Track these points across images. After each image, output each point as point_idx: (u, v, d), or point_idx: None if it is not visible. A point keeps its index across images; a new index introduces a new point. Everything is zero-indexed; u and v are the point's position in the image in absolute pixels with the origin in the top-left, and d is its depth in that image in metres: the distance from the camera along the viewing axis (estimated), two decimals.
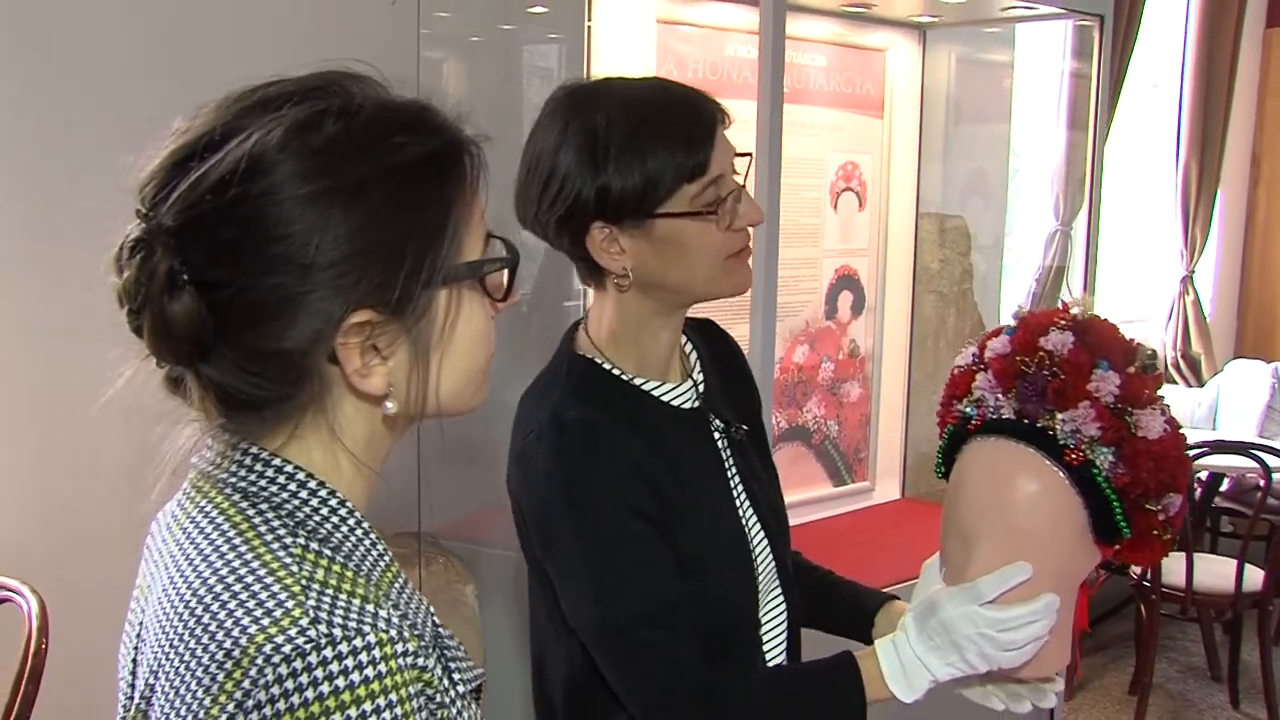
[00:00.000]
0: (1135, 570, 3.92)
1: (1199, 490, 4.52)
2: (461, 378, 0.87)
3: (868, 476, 3.08)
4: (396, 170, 0.81)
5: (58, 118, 2.04)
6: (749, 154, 1.35)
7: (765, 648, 1.41)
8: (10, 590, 1.97)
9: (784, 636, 1.44)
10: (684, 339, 1.44)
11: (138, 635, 0.88)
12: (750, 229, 1.34)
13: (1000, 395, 1.28)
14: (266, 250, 0.77)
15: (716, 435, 1.40)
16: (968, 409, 1.31)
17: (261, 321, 0.78)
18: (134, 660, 0.87)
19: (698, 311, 1.42)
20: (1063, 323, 1.26)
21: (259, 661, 0.73)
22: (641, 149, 1.25)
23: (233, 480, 0.83)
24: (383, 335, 0.81)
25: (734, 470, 1.41)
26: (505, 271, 0.87)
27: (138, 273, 0.79)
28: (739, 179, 1.32)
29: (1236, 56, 4.94)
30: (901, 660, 1.25)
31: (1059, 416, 1.23)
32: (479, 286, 0.86)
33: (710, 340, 1.49)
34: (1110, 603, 4.59)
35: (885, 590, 1.52)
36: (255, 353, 0.80)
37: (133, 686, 0.86)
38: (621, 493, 1.26)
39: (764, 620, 1.41)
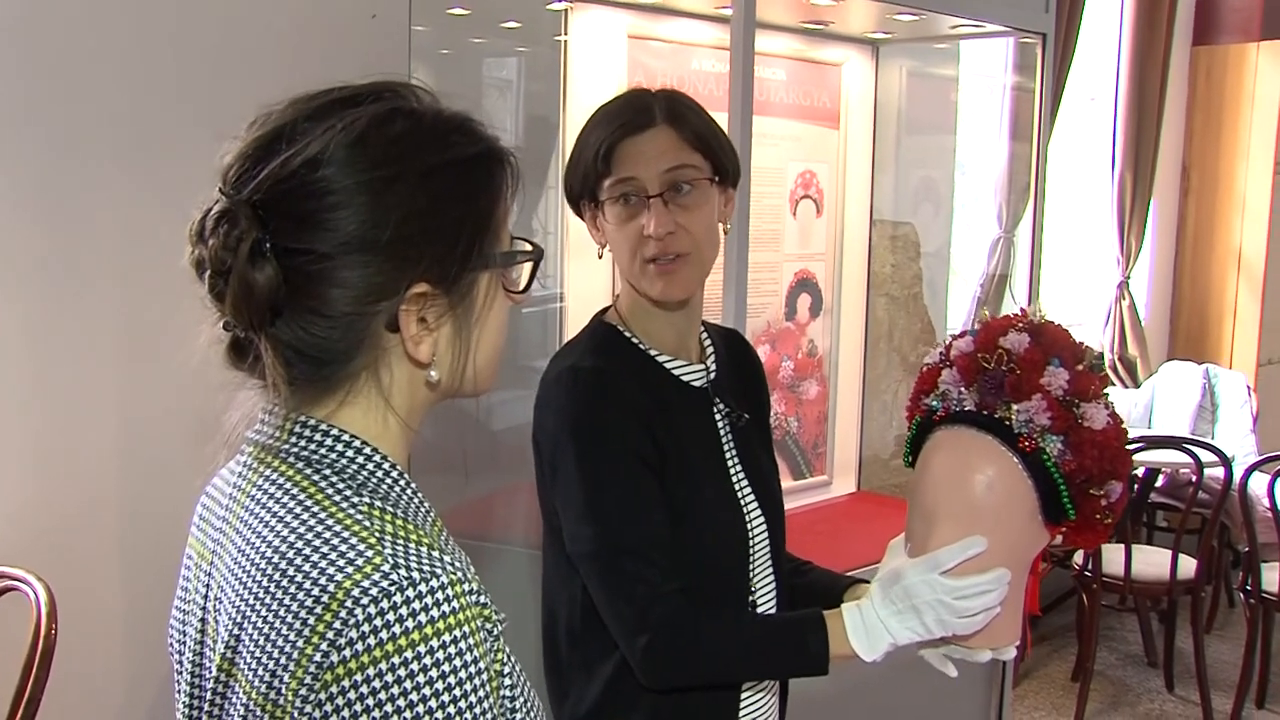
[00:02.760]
0: (1077, 561, 4.10)
1: (1136, 486, 4.73)
2: (488, 357, 0.98)
3: (826, 471, 3.21)
4: (455, 164, 0.93)
5: (62, 125, 2.11)
6: (681, 165, 1.45)
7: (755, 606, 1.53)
8: (17, 580, 2.05)
9: (774, 605, 1.56)
10: (705, 335, 1.57)
11: (204, 597, 0.96)
12: (663, 244, 1.44)
13: (963, 389, 1.42)
14: (342, 224, 0.88)
15: (718, 416, 1.53)
16: (933, 402, 1.45)
17: (331, 287, 0.89)
18: (202, 621, 0.96)
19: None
20: (1020, 325, 1.41)
21: (348, 604, 0.82)
22: (579, 147, 1.47)
23: (293, 450, 0.93)
24: (433, 309, 0.92)
25: (733, 451, 1.53)
26: (528, 266, 0.99)
27: (225, 241, 0.88)
28: (667, 189, 1.43)
29: (1166, 72, 5.16)
30: (865, 621, 1.37)
31: (1014, 408, 1.36)
32: (503, 280, 0.97)
33: (731, 345, 1.64)
34: (1053, 595, 4.78)
35: (854, 576, 1.63)
36: (322, 316, 0.89)
37: (202, 645, 0.95)
38: (624, 435, 1.40)
39: (757, 594, 1.53)
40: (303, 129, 0.90)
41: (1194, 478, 3.96)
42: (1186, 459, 3.92)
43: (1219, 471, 3.92)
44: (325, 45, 2.37)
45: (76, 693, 2.14)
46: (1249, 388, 4.96)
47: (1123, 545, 3.92)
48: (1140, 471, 4.65)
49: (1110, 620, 4.74)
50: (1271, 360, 5.34)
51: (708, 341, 1.58)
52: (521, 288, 1.00)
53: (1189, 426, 4.88)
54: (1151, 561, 4.03)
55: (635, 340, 1.49)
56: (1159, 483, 4.75)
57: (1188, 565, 3.96)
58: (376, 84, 0.95)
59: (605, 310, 1.56)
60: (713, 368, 1.55)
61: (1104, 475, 1.36)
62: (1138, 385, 5.18)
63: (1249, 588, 3.96)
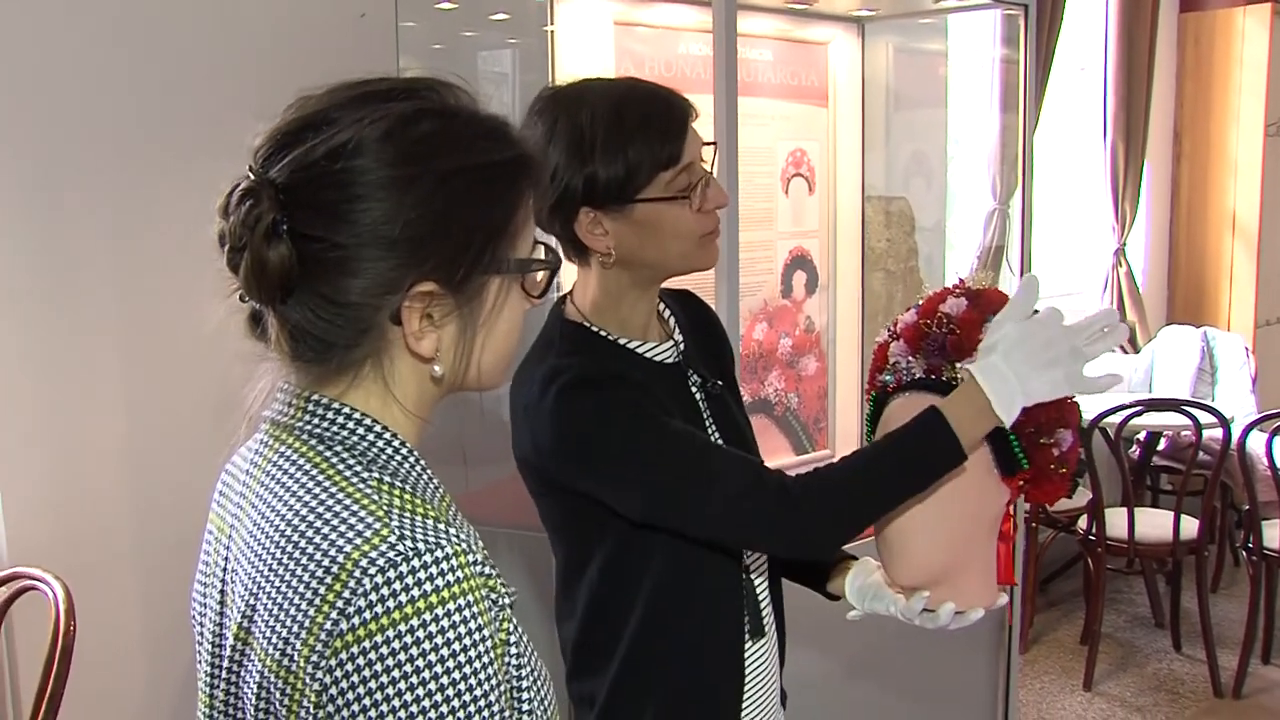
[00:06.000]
0: (1081, 526, 4.14)
1: (1138, 450, 4.77)
2: (496, 357, 1.01)
3: (828, 445, 3.25)
4: (477, 170, 0.95)
5: (59, 125, 2.15)
6: (713, 143, 1.52)
7: (754, 579, 1.57)
8: (35, 579, 2.09)
9: (766, 571, 1.60)
10: (663, 306, 1.60)
11: (223, 570, 1.00)
12: (718, 213, 1.50)
13: (911, 358, 1.48)
14: (358, 217, 0.91)
15: (694, 389, 1.56)
16: (887, 377, 1.51)
17: (342, 276, 0.91)
18: (221, 593, 1.00)
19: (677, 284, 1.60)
20: (958, 292, 1.48)
21: (356, 574, 0.85)
22: (623, 141, 1.41)
23: (307, 427, 0.96)
24: (439, 306, 0.94)
25: (711, 421, 1.57)
26: (545, 272, 1.01)
27: (245, 217, 0.91)
28: (706, 166, 1.49)
29: (1154, 40, 5.17)
30: (1003, 379, 1.36)
31: (958, 366, 1.43)
32: (521, 282, 1.00)
33: (688, 308, 1.66)
34: (1060, 561, 4.82)
35: (844, 549, 1.65)
36: (330, 302, 0.92)
37: (221, 615, 0.99)
38: (626, 402, 1.41)
39: (748, 555, 1.57)
40: (333, 119, 0.92)
41: (1194, 440, 4.00)
42: (1186, 421, 3.95)
43: (1219, 433, 3.95)
44: (313, 44, 2.40)
45: (98, 689, 2.19)
46: (1247, 349, 4.99)
47: (1126, 509, 3.96)
48: (1142, 435, 4.69)
49: (1117, 583, 4.78)
50: (1269, 321, 5.37)
51: (668, 314, 1.60)
52: (538, 293, 1.01)
53: (1189, 389, 4.91)
54: (1155, 524, 4.07)
55: (604, 333, 1.50)
56: (1161, 446, 4.79)
57: (1191, 526, 4.00)
58: (415, 80, 0.97)
59: (561, 305, 1.54)
60: (680, 340, 1.57)
61: (1051, 424, 1.41)
62: (1137, 350, 5.20)
63: (1251, 546, 4.00)
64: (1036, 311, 1.41)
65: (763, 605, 1.58)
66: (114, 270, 2.23)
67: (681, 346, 1.57)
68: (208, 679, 1.00)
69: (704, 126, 1.52)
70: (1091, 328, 1.38)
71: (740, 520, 1.41)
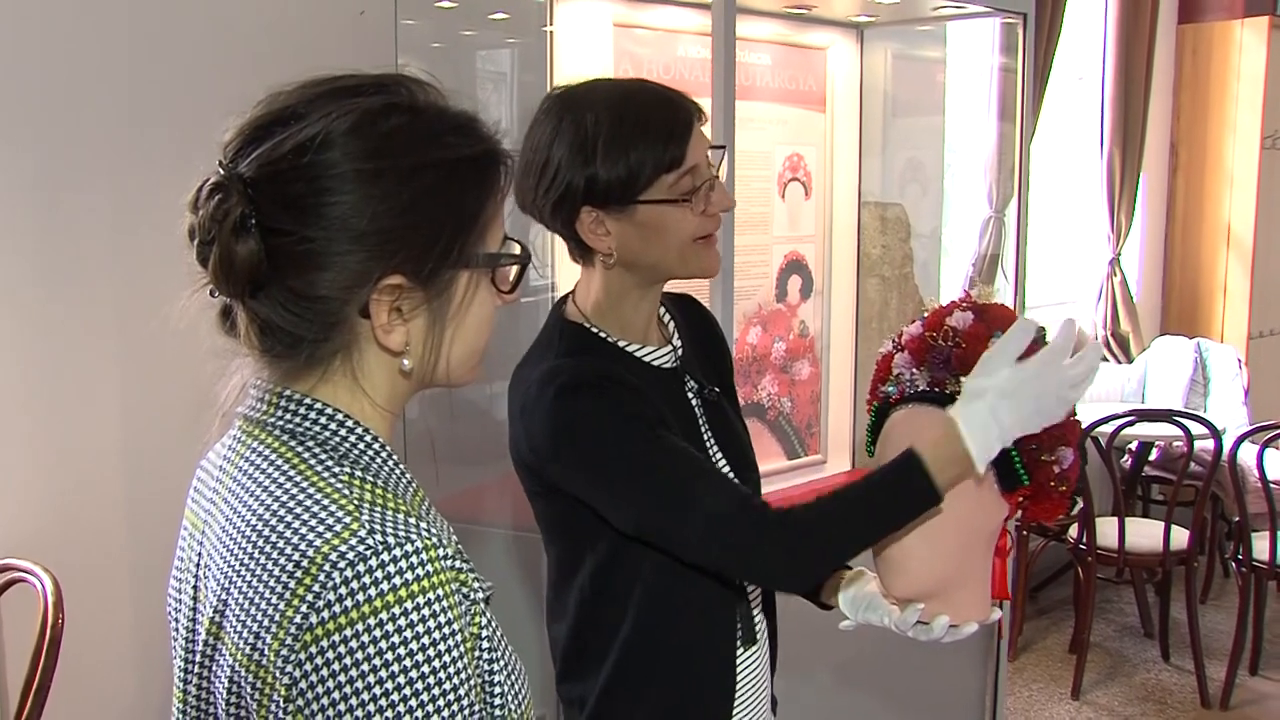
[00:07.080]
0: (1072, 535, 4.15)
1: (1130, 460, 4.78)
2: (466, 351, 1.00)
3: (820, 450, 3.25)
4: (445, 164, 0.95)
5: (57, 123, 2.15)
6: (723, 146, 1.52)
7: (746, 586, 1.57)
8: (25, 571, 2.09)
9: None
10: (663, 310, 1.60)
11: (197, 566, 1.00)
12: (721, 216, 1.50)
13: (915, 370, 1.47)
14: (326, 211, 0.91)
15: (691, 395, 1.56)
16: (889, 388, 1.50)
17: (310, 270, 0.92)
18: (194, 589, 1.00)
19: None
20: (964, 305, 1.48)
21: (326, 568, 0.86)
22: (625, 143, 1.41)
23: (278, 422, 0.96)
24: (407, 300, 0.95)
25: (707, 426, 1.57)
26: (515, 268, 1.01)
27: (214, 212, 0.91)
28: (713, 169, 1.49)
29: (1152, 51, 5.19)
30: (980, 421, 1.34)
31: (962, 380, 1.41)
32: (491, 277, 1.00)
33: (687, 312, 1.66)
34: (1050, 569, 4.83)
35: None
36: (299, 296, 0.92)
37: (195, 610, 0.99)
38: (622, 409, 1.41)
39: None
40: (302, 114, 0.92)
41: (1186, 450, 4.01)
42: (1178, 432, 3.96)
43: (1210, 444, 3.96)
44: (312, 42, 2.40)
45: (88, 681, 2.19)
46: (1240, 361, 5.01)
47: (1116, 519, 3.97)
48: (1134, 445, 4.70)
49: (1107, 593, 4.79)
50: (1262, 333, 5.39)
51: (667, 317, 1.60)
52: (508, 289, 1.01)
53: (1182, 400, 4.92)
54: (1145, 534, 4.08)
55: (604, 335, 1.50)
56: (1152, 456, 4.80)
57: (1181, 537, 4.01)
58: (383, 76, 0.97)
59: (562, 306, 1.55)
60: (679, 345, 1.57)
61: (1053, 441, 1.41)
62: (1131, 361, 5.21)
63: (1240, 557, 4.00)
64: (1036, 343, 1.39)
65: (755, 613, 1.58)
66: (110, 267, 2.22)
67: (679, 351, 1.57)
68: (181, 674, 1.01)
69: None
70: (1078, 367, 1.36)
71: (717, 548, 1.40)
